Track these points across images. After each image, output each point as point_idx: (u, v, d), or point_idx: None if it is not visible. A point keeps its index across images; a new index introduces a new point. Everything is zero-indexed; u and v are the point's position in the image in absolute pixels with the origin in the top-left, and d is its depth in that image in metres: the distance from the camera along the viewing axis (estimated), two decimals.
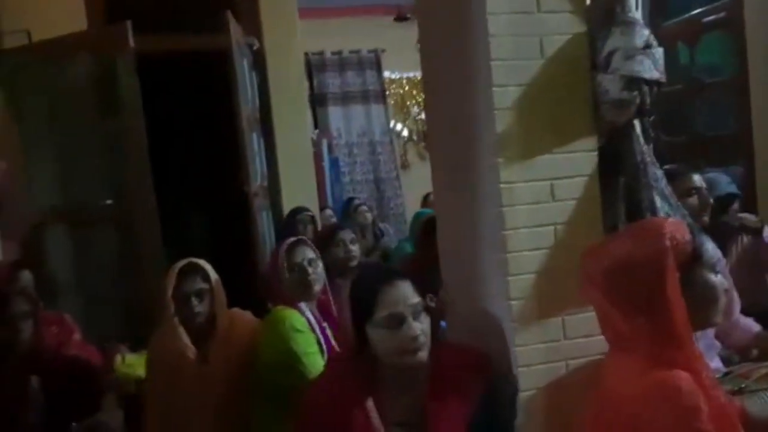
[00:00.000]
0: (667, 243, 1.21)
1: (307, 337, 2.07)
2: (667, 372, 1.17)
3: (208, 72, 4.01)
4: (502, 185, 1.47)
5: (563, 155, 1.50)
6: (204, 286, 2.13)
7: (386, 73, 7.21)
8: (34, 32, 3.56)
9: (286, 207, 4.08)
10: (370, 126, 7.17)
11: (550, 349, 1.50)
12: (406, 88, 7.45)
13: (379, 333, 1.37)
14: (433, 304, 2.19)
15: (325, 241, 2.79)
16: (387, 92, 7.30)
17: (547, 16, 1.46)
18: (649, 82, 1.48)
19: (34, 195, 3.58)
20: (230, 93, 3.42)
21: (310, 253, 2.22)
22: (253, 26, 4.11)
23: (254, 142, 3.74)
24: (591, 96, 1.50)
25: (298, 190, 4.21)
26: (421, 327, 1.37)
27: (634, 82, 1.46)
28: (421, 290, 1.46)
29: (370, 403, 1.38)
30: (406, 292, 1.39)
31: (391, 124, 7.32)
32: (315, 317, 2.17)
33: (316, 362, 2.00)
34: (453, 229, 1.70)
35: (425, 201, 5.68)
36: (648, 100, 1.50)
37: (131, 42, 3.36)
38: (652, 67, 1.47)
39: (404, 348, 1.36)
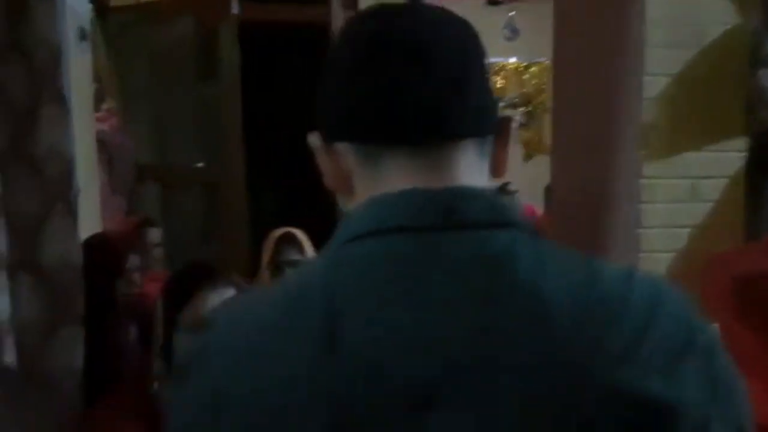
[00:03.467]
0: None
1: None
2: None
3: (307, 44, 4.02)
4: (643, 180, 1.40)
5: (710, 153, 1.41)
6: (299, 257, 2.13)
7: None
8: None
9: None
10: None
11: None
12: (493, 75, 7.32)
13: None
14: None
15: None
16: None
17: (709, 3, 1.37)
18: None
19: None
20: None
21: None
22: (351, 2, 4.09)
23: None
24: (747, 93, 1.41)
25: None
26: None
27: None
28: None
29: None
30: None
31: None
32: None
33: None
34: (576, 224, 1.64)
35: (502, 190, 5.61)
36: None
37: (235, 9, 3.39)
38: None
39: None
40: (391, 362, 0.50)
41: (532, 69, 7.43)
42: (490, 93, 0.60)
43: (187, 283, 1.24)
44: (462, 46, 0.60)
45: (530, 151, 7.39)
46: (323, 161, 0.63)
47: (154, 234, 2.61)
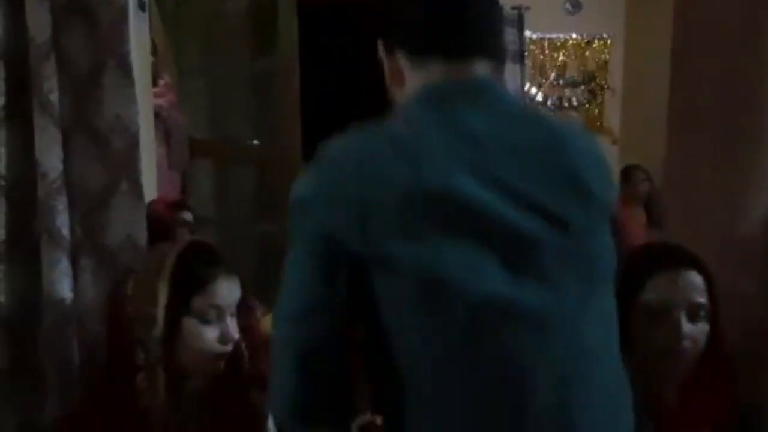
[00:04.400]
0: None
1: None
2: None
3: (367, 19, 3.84)
4: None
5: None
6: None
7: (527, 33, 6.80)
8: None
9: None
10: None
11: None
12: (547, 50, 7.02)
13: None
14: None
15: None
16: (526, 53, 6.90)
17: None
18: None
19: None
20: None
21: None
22: None
23: None
24: None
25: None
26: (693, 330, 1.11)
27: None
28: None
29: None
30: (692, 282, 1.12)
31: (526, 87, 6.94)
32: None
33: None
34: (705, 210, 1.43)
35: None
36: None
37: None
38: None
39: (661, 347, 1.12)
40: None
41: (595, 45, 7.11)
42: (499, 30, 1.04)
43: (196, 268, 1.13)
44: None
45: (593, 132, 7.11)
46: (386, 63, 1.01)
47: (187, 216, 2.49)
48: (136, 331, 1.10)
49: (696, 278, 1.12)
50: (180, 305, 1.10)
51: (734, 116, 1.35)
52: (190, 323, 1.11)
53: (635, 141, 6.69)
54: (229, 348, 1.14)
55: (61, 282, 1.29)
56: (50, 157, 1.28)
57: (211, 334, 1.12)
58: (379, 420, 1.18)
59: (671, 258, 1.15)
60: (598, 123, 7.05)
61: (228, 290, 1.14)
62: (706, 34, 1.43)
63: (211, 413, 1.16)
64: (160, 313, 1.09)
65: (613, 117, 7.03)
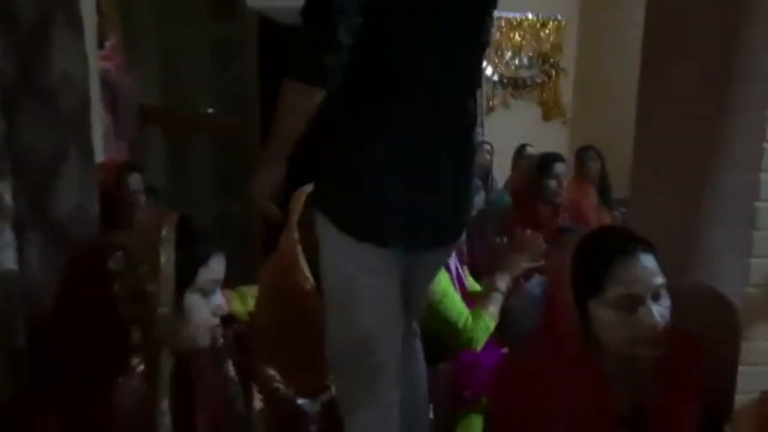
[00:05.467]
0: None
1: (444, 277, 1.88)
2: None
3: None
4: (766, 145, 1.19)
5: None
6: None
7: None
8: None
9: None
10: None
11: None
12: (504, 29, 7.01)
13: (608, 314, 1.11)
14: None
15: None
16: None
17: None
18: None
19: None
20: None
21: None
22: None
23: None
24: None
25: None
26: (661, 312, 1.10)
27: None
28: None
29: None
30: (649, 268, 1.10)
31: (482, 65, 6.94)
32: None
33: (455, 304, 1.85)
34: (677, 194, 1.44)
35: (519, 154, 5.33)
36: None
37: None
38: None
39: (638, 336, 1.10)
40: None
41: (549, 26, 7.14)
42: None
43: (198, 242, 1.10)
44: None
45: (546, 113, 7.17)
46: None
47: (136, 180, 2.34)
48: (132, 310, 1.03)
49: (651, 262, 1.10)
50: (188, 280, 1.07)
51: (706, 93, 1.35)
52: (192, 298, 1.08)
53: (586, 121, 6.80)
54: (218, 320, 1.12)
55: (5, 253, 1.18)
56: None
57: (207, 307, 1.10)
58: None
59: (625, 247, 1.11)
60: (552, 103, 7.14)
61: (222, 263, 1.13)
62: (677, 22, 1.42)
63: (185, 385, 1.11)
64: (166, 289, 1.04)
65: (566, 97, 7.13)
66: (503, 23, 7.14)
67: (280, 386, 1.94)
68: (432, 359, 1.96)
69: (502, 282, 1.87)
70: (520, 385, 1.19)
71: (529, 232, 1.95)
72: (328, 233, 1.26)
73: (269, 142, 1.25)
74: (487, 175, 4.23)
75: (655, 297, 1.10)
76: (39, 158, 1.22)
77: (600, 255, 1.11)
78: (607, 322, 1.10)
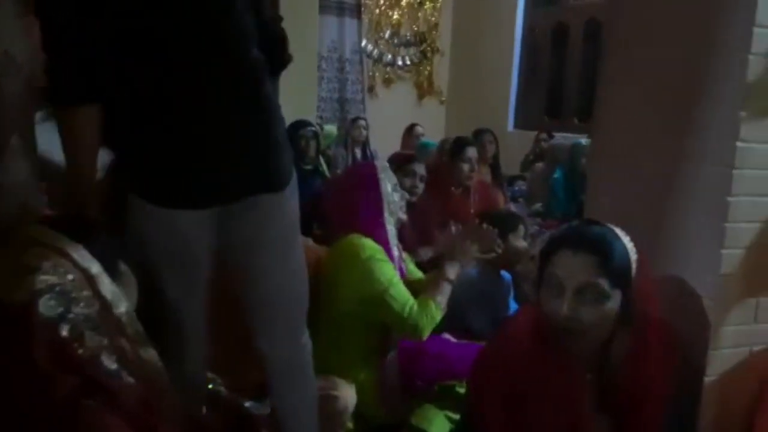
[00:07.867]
0: None
1: (389, 266, 1.84)
2: None
3: None
4: (739, 143, 1.26)
5: None
6: None
7: None
8: None
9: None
10: (341, 41, 6.70)
11: (739, 332, 1.36)
12: (383, 6, 6.98)
13: (543, 291, 1.28)
14: (499, 251, 2.01)
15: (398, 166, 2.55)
16: (363, 8, 6.82)
17: None
18: None
19: None
20: None
21: (393, 178, 1.99)
22: None
23: None
24: None
25: (298, 103, 3.82)
26: (581, 310, 1.21)
27: None
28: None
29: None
30: (578, 265, 1.22)
31: (363, 43, 6.88)
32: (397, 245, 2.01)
33: (401, 293, 1.81)
34: (647, 184, 1.48)
35: (409, 133, 5.38)
36: None
37: None
38: None
39: (556, 318, 1.24)
40: None
41: (426, 6, 7.22)
42: None
43: None
44: None
45: (422, 93, 7.28)
46: None
47: None
48: None
49: (589, 258, 1.21)
50: None
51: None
52: None
53: (462, 102, 7.01)
54: None
55: None
56: None
57: None
58: None
59: (571, 239, 1.25)
60: (428, 84, 7.26)
61: None
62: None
63: None
64: None
65: (442, 78, 7.28)
66: (382, 1, 7.12)
67: (222, 389, 1.80)
68: (380, 350, 1.93)
69: (452, 271, 1.86)
70: (497, 370, 1.29)
71: (482, 224, 1.95)
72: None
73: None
74: (364, 147, 4.90)
75: (579, 292, 1.21)
76: None
77: (551, 244, 1.28)
78: (543, 298, 1.27)
